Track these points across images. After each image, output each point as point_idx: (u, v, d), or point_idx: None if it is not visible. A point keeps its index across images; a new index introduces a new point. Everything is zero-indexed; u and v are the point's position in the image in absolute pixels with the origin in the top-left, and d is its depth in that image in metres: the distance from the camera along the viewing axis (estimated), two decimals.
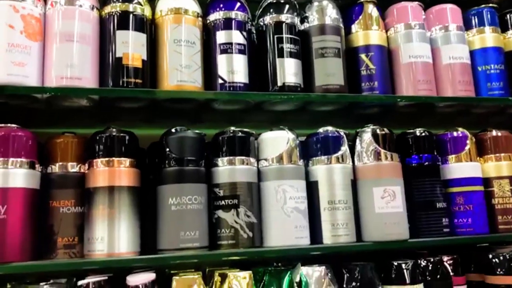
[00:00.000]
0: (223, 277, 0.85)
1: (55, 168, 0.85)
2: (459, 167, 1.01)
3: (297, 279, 0.88)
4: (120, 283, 0.82)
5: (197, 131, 0.91)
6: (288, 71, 0.96)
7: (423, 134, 1.02)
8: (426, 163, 0.99)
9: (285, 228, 0.89)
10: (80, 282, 0.79)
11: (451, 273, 0.96)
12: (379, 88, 1.01)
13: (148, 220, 0.87)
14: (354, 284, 0.89)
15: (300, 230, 0.90)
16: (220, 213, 0.88)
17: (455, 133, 1.04)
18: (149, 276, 0.82)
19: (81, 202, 0.85)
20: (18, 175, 0.80)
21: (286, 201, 0.90)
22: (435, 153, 1.01)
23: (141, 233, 0.86)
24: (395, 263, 0.92)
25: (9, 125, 0.82)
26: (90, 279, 0.79)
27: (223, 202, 0.88)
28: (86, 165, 0.86)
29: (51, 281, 0.79)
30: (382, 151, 0.95)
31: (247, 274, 0.85)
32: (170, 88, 0.89)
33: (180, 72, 0.90)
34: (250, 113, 1.03)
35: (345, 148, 0.96)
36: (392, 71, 1.05)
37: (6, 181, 0.79)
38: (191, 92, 0.90)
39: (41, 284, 0.78)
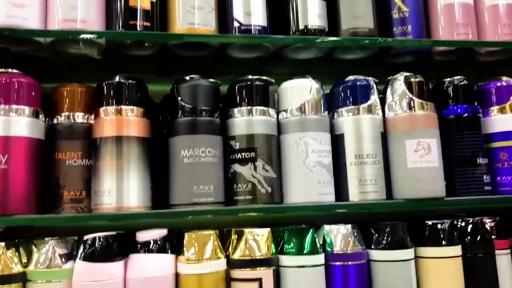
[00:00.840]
0: (240, 234, 0.79)
1: (61, 119, 0.80)
2: (502, 120, 0.91)
3: (321, 239, 0.81)
4: (129, 240, 0.77)
5: (212, 80, 0.84)
6: (312, 12, 0.87)
7: (462, 83, 0.91)
8: (465, 114, 0.89)
9: (307, 184, 0.81)
10: (86, 237, 0.74)
11: (493, 236, 0.86)
12: (413, 33, 0.91)
13: (160, 177, 0.82)
14: (383, 244, 0.81)
15: (324, 186, 0.82)
16: (237, 167, 0.81)
17: (498, 83, 0.93)
18: (161, 232, 0.77)
19: (88, 154, 0.80)
20: (20, 123, 0.75)
21: (308, 155, 0.82)
22: (476, 104, 0.91)
23: (152, 189, 0.80)
24: (430, 223, 0.83)
25: (10, 70, 0.77)
26: (97, 234, 0.74)
27: (239, 156, 0.81)
28: (93, 114, 0.80)
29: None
30: (416, 100, 0.85)
31: (265, 231, 0.79)
32: (180, 32, 0.82)
33: (192, 14, 0.82)
34: (270, 63, 0.95)
35: (374, 97, 0.87)
36: (427, 14, 0.94)
37: (8, 130, 0.74)
38: (203, 35, 0.82)
39: (47, 238, 0.74)
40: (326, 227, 0.82)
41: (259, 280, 0.75)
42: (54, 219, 0.75)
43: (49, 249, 0.74)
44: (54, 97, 0.82)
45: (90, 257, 0.72)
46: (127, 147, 0.77)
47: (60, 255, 0.74)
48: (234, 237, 0.80)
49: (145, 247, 0.75)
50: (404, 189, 0.84)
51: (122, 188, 0.76)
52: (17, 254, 0.73)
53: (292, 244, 0.79)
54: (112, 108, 0.78)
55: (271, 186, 0.81)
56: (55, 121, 0.80)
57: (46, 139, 0.79)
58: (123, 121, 0.78)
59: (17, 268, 0.72)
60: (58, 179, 0.78)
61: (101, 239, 0.73)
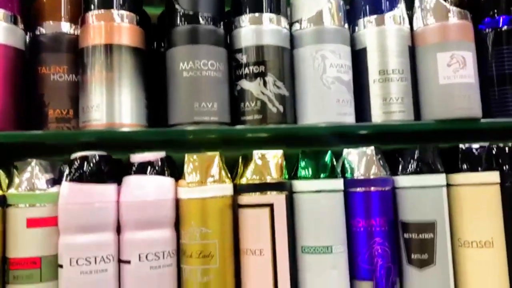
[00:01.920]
0: (248, 158, 0.70)
1: (44, 30, 0.71)
2: None
3: (340, 165, 0.72)
4: (121, 166, 0.68)
5: None
6: None
7: None
8: (505, 27, 0.78)
9: (324, 102, 0.71)
10: (74, 155, 0.65)
11: None
12: None
13: (157, 97, 0.72)
14: (411, 169, 0.71)
15: (343, 105, 0.72)
16: (244, 84, 0.71)
17: None
18: (158, 154, 0.68)
19: (75, 70, 0.70)
20: None
21: (325, 70, 0.72)
22: None
23: (148, 108, 0.71)
24: (464, 146, 0.73)
25: None
26: (86, 152, 0.65)
27: (246, 70, 0.71)
28: (79, 21, 0.70)
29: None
30: (449, 7, 0.74)
31: (277, 153, 0.69)
32: None
33: None
34: None
35: (401, 6, 0.76)
36: None
37: None
38: None
39: (29, 160, 0.66)
40: (346, 151, 0.73)
41: (270, 205, 0.66)
42: (37, 136, 0.66)
43: (32, 171, 0.65)
44: (36, 5, 0.72)
45: (78, 177, 0.63)
46: (118, 57, 0.67)
47: (44, 178, 0.65)
48: (241, 163, 0.71)
49: (141, 169, 0.66)
50: (434, 109, 0.73)
51: (113, 102, 0.66)
52: None
53: (307, 168, 0.69)
54: (101, 12, 0.68)
55: (283, 104, 0.71)
56: (37, 32, 0.71)
57: (29, 52, 0.70)
58: (113, 27, 0.68)
59: None
60: (42, 96, 0.69)
61: (91, 158, 0.65)
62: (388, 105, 0.73)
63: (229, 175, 0.69)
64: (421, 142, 0.74)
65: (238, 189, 0.68)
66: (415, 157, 0.71)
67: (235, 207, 0.68)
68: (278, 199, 0.67)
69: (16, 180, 0.65)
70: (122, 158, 0.69)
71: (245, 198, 0.67)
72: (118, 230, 0.65)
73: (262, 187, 0.67)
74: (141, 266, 0.63)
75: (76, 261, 0.61)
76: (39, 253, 0.63)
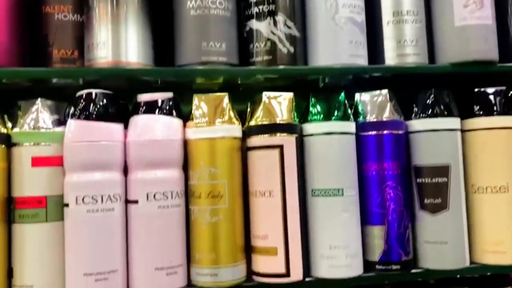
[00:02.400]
0: (257, 100, 0.68)
1: None
2: None
3: (352, 109, 0.70)
4: (127, 109, 0.67)
5: None
6: None
7: None
8: None
9: (336, 43, 0.69)
10: (80, 92, 0.63)
11: None
12: None
13: (163, 38, 0.70)
14: (425, 113, 0.69)
15: (356, 47, 0.70)
16: (253, 24, 0.69)
17: None
18: (165, 94, 0.66)
19: (80, 9, 0.68)
20: None
21: (338, 10, 0.69)
22: None
23: (155, 48, 0.69)
24: (480, 90, 0.71)
25: None
26: (92, 90, 0.63)
27: (256, 9, 0.69)
28: None
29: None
30: None
31: (287, 95, 0.67)
32: None
33: None
34: None
35: None
36: None
37: None
38: None
39: (34, 99, 0.64)
40: (358, 95, 0.71)
41: (280, 147, 0.65)
42: (41, 73, 0.64)
43: (37, 110, 0.64)
44: None
45: (84, 115, 0.62)
46: None
47: (50, 118, 0.64)
48: (250, 106, 0.69)
49: (149, 109, 0.64)
50: (449, 51, 0.71)
51: (119, 39, 0.65)
52: None
53: (318, 110, 0.68)
54: None
55: (294, 45, 0.69)
56: None
57: None
58: None
59: None
60: (47, 36, 0.67)
61: (98, 95, 0.63)
62: (402, 48, 0.71)
63: (237, 117, 0.67)
64: (435, 88, 0.71)
65: (247, 132, 0.67)
66: (430, 101, 0.70)
67: (244, 150, 0.67)
68: (288, 141, 0.65)
69: (21, 119, 0.64)
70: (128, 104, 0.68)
71: (254, 140, 0.66)
72: (125, 172, 0.64)
73: (272, 128, 0.65)
74: (149, 206, 0.62)
75: (82, 199, 0.60)
76: (45, 192, 0.62)
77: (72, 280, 0.60)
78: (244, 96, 0.73)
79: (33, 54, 0.67)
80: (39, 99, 0.64)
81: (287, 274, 0.64)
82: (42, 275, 0.61)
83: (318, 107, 0.68)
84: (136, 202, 0.62)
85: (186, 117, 0.66)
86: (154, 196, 0.62)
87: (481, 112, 0.70)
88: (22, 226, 0.61)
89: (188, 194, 0.65)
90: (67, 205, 0.61)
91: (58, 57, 0.67)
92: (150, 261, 0.61)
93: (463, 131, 0.70)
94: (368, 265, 0.67)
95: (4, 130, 0.63)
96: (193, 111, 0.65)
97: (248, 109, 0.70)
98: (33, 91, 0.68)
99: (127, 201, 0.63)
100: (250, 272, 0.66)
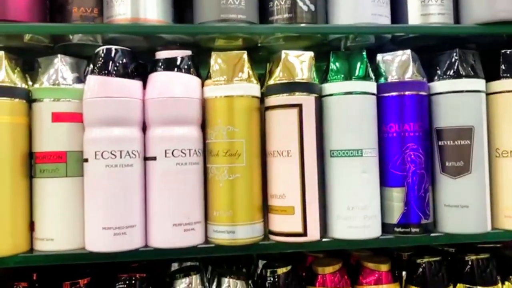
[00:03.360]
0: (276, 59, 0.67)
1: None
2: None
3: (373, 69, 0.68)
4: (146, 68, 0.66)
5: None
6: None
7: None
8: None
9: (358, 1, 0.67)
10: (99, 48, 0.63)
11: None
12: None
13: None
14: (449, 74, 0.67)
15: (379, 5, 0.68)
16: None
17: None
18: (184, 52, 0.65)
19: None
20: None
21: None
22: None
23: (174, 8, 0.68)
24: (506, 51, 0.69)
25: None
26: (111, 46, 0.63)
27: None
28: None
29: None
30: None
31: (307, 54, 0.66)
32: None
33: None
34: None
35: None
36: None
37: None
38: None
39: (53, 56, 0.64)
40: (380, 55, 0.69)
41: (299, 106, 0.64)
42: (60, 28, 0.64)
43: (57, 67, 0.64)
44: None
45: (104, 71, 0.62)
46: None
47: (69, 74, 0.64)
48: (268, 66, 0.69)
49: (167, 66, 0.64)
50: (475, 11, 0.69)
51: None
52: (18, 69, 0.64)
53: (339, 70, 0.66)
54: None
55: (315, 3, 0.67)
56: None
57: None
58: None
59: (20, 84, 0.63)
60: None
61: (117, 51, 0.63)
62: (427, 7, 0.69)
63: (256, 77, 0.66)
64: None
65: (266, 92, 0.66)
66: (454, 61, 0.68)
67: (262, 110, 0.66)
68: (307, 99, 0.64)
69: (41, 75, 0.64)
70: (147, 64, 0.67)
71: (272, 99, 0.65)
72: (144, 130, 0.64)
73: (291, 87, 0.64)
74: (167, 162, 0.62)
75: (101, 154, 0.61)
76: (65, 147, 0.62)
77: (91, 233, 0.61)
78: (263, 60, 0.72)
79: (53, 12, 0.67)
80: (59, 55, 0.64)
81: (304, 233, 0.63)
82: (62, 228, 0.62)
83: (339, 66, 0.67)
84: (154, 158, 0.62)
85: (204, 78, 0.66)
86: (173, 152, 0.62)
87: (508, 74, 0.68)
88: (43, 181, 0.62)
89: (205, 153, 0.65)
90: (86, 160, 0.62)
91: (78, 15, 0.67)
92: (168, 217, 0.62)
93: (488, 93, 0.68)
94: (386, 227, 0.67)
95: (24, 86, 0.63)
96: (211, 69, 0.65)
97: (267, 69, 0.69)
98: (52, 53, 0.68)
99: (145, 158, 0.63)
100: (267, 232, 0.66)
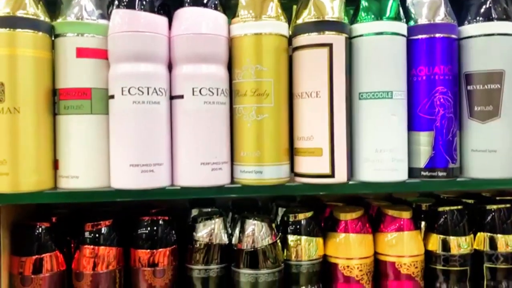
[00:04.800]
0: (303, 1, 0.65)
1: None
2: None
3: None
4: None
5: None
6: None
7: None
8: None
9: None
10: None
11: None
12: None
13: None
14: (480, 17, 0.66)
15: None
16: None
17: None
18: None
19: None
20: None
21: None
22: None
23: None
24: None
25: None
26: None
27: None
28: None
29: None
30: None
31: None
32: None
33: None
34: None
35: None
36: None
37: None
38: None
39: None
40: None
41: (329, 46, 0.62)
42: None
43: (80, 1, 0.62)
44: None
45: (130, 6, 0.60)
46: None
47: (93, 10, 0.62)
48: (297, 6, 0.67)
49: (194, 2, 0.62)
50: None
51: None
52: (41, 3, 0.62)
53: (369, 10, 0.65)
54: None
55: None
56: None
57: None
58: None
59: (43, 18, 0.61)
60: None
61: None
62: None
63: (285, 15, 0.65)
64: None
65: (294, 32, 0.65)
66: (486, 4, 0.66)
67: (291, 51, 0.65)
68: (337, 39, 0.63)
69: (64, 10, 0.62)
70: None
71: (301, 39, 0.64)
72: (169, 69, 0.63)
73: (321, 26, 0.63)
74: (194, 100, 0.61)
75: (128, 90, 0.59)
76: (89, 84, 0.61)
77: (118, 171, 0.60)
78: (287, 8, 0.70)
79: None
80: None
81: (332, 175, 0.63)
82: (87, 166, 0.61)
83: (369, 6, 0.65)
84: (181, 97, 0.61)
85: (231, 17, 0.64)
86: (200, 91, 0.61)
87: None
88: (67, 118, 0.61)
89: (232, 94, 0.64)
90: (112, 96, 0.60)
91: None
92: (196, 156, 0.61)
93: None
94: (412, 172, 0.66)
95: (48, 20, 0.61)
96: (239, 6, 0.63)
97: (293, 12, 0.68)
98: None
99: (171, 98, 0.62)
100: (293, 174, 0.66)
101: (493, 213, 0.74)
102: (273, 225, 0.70)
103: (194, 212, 0.74)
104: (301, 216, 0.72)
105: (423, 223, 0.77)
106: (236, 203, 0.82)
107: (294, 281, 0.70)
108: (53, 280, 0.65)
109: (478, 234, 0.75)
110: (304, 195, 0.85)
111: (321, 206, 0.80)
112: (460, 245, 0.72)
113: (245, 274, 0.66)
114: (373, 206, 0.79)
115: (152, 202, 0.78)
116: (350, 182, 0.65)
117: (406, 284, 0.71)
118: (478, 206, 0.77)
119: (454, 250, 0.72)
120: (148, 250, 0.67)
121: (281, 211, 0.75)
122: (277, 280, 0.67)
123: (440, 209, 0.74)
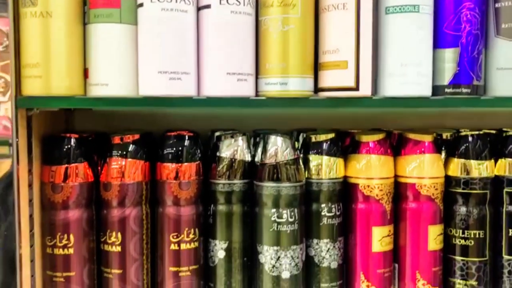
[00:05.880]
0: None
1: None
2: None
3: None
4: None
5: None
6: None
7: None
8: None
9: None
10: None
11: None
12: None
13: None
14: None
15: None
16: None
17: None
18: None
19: None
20: None
21: None
22: None
23: None
24: None
25: None
26: None
27: None
28: None
29: None
30: None
31: None
32: None
33: None
34: None
35: None
36: None
37: None
38: None
39: None
40: None
41: None
42: None
43: None
44: None
45: None
46: None
47: None
48: None
49: None
50: None
51: None
52: None
53: None
54: None
55: None
56: None
57: None
58: None
59: None
60: None
61: None
62: None
63: None
64: None
65: None
66: None
67: None
68: None
69: None
70: None
71: None
72: None
73: None
74: (222, 10, 0.61)
75: None
76: None
77: (147, 78, 0.61)
78: None
79: None
80: None
81: (356, 87, 0.63)
82: (116, 74, 0.62)
83: None
84: (208, 6, 0.62)
85: None
86: (227, 0, 0.61)
87: None
88: (97, 26, 0.62)
89: (258, 6, 0.64)
90: (141, 5, 0.61)
91: None
92: (222, 65, 0.62)
93: None
94: (436, 90, 0.66)
95: None
96: None
97: None
98: None
99: (199, 8, 0.63)
100: (317, 90, 0.66)
101: None
102: (296, 144, 0.71)
103: (218, 133, 0.76)
104: (323, 137, 0.73)
105: (443, 153, 0.78)
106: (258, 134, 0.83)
107: (315, 199, 0.71)
108: (82, 189, 0.67)
109: (499, 160, 0.75)
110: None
111: (342, 135, 0.81)
112: (481, 168, 0.73)
113: (267, 187, 0.68)
114: (394, 133, 0.80)
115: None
116: (374, 98, 0.65)
117: (426, 205, 0.72)
118: (499, 134, 0.77)
119: (475, 173, 0.73)
120: (174, 164, 0.68)
121: (302, 136, 0.76)
122: (298, 194, 0.68)
123: (462, 133, 0.74)
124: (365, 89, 0.64)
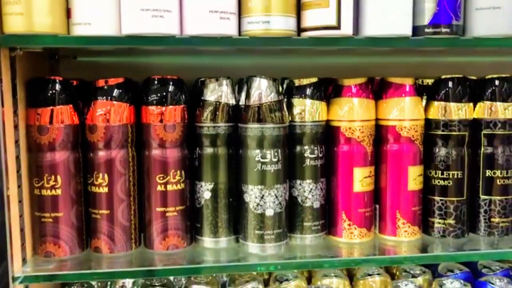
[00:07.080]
0: None
1: None
2: None
3: None
4: None
5: None
6: None
7: None
8: None
9: None
10: None
11: None
12: None
13: None
14: None
15: None
16: None
17: None
18: None
19: None
20: None
21: None
22: None
23: None
24: None
25: None
26: None
27: None
28: None
29: None
30: None
31: None
32: None
33: None
34: None
35: None
36: None
37: None
38: None
39: None
40: None
41: None
42: None
43: None
44: None
45: None
46: None
47: None
48: None
49: None
50: None
51: None
52: None
53: None
54: None
55: None
56: None
57: None
58: None
59: None
60: None
61: None
62: None
63: None
64: None
65: None
66: None
67: None
68: None
69: None
70: None
71: None
72: None
73: None
74: None
75: None
76: None
77: (129, 16, 0.62)
78: None
79: None
80: None
81: (338, 26, 0.64)
82: (99, 12, 0.62)
83: None
84: None
85: None
86: None
87: None
88: None
89: None
90: None
91: None
92: (204, 3, 0.62)
93: None
94: (416, 30, 0.67)
95: None
96: None
97: None
98: None
99: None
100: (300, 31, 0.67)
101: (493, 82, 0.76)
102: (280, 88, 0.72)
103: (202, 79, 0.76)
104: (306, 82, 0.74)
105: (424, 99, 0.79)
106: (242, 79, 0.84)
107: (298, 141, 0.73)
108: (68, 131, 0.68)
109: (478, 104, 0.77)
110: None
111: (326, 82, 0.82)
112: (460, 111, 0.75)
113: (252, 128, 0.69)
114: (376, 79, 0.81)
115: None
116: (356, 37, 0.66)
117: (406, 147, 0.74)
118: (479, 79, 0.79)
119: (454, 116, 0.74)
120: (159, 107, 0.69)
121: (286, 83, 0.77)
122: (282, 135, 0.70)
123: (443, 77, 0.76)
124: (347, 28, 0.64)
